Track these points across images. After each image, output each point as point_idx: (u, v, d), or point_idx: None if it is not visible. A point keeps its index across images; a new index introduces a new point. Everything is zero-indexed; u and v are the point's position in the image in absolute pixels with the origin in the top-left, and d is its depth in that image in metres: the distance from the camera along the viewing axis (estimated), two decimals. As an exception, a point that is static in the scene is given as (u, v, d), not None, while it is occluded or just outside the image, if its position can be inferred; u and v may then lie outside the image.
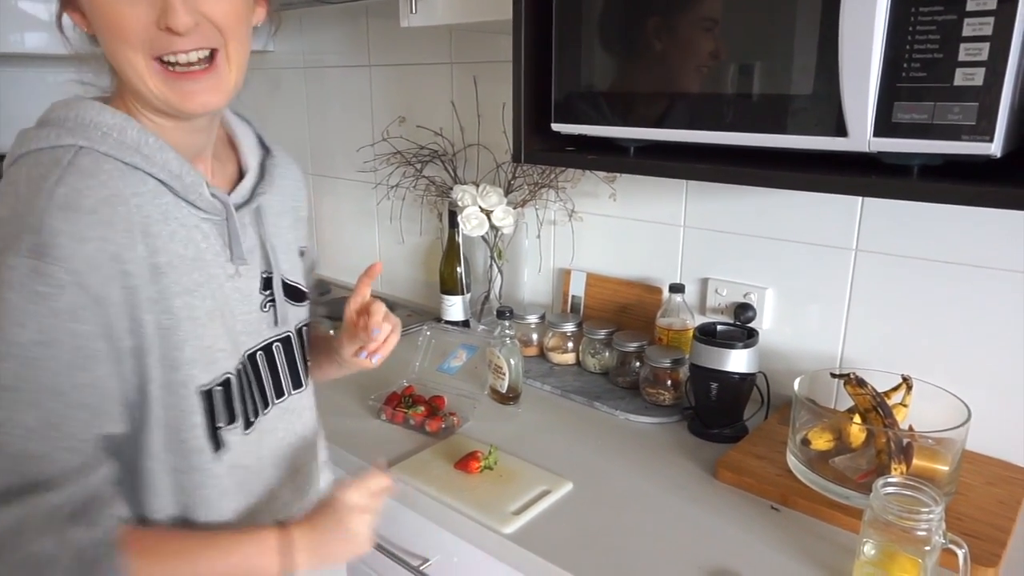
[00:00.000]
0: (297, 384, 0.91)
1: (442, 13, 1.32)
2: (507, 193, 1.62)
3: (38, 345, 0.62)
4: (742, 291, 1.37)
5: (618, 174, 1.46)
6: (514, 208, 1.61)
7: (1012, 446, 1.14)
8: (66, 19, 0.73)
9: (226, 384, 0.77)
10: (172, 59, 0.67)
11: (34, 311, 0.62)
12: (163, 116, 0.73)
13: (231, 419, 0.78)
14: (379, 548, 1.17)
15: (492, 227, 1.61)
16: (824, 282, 1.28)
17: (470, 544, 1.04)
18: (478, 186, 1.60)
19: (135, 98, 0.72)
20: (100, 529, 0.64)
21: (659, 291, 1.48)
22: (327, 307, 1.94)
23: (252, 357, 0.82)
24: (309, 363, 0.94)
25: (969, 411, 1.03)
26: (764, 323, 1.36)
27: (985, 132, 0.69)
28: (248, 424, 0.81)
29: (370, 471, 0.84)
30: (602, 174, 1.50)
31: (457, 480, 1.11)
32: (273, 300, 0.85)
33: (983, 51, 0.68)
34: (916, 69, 0.72)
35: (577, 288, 1.61)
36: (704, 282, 1.43)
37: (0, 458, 0.61)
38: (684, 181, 1.40)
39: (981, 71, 0.68)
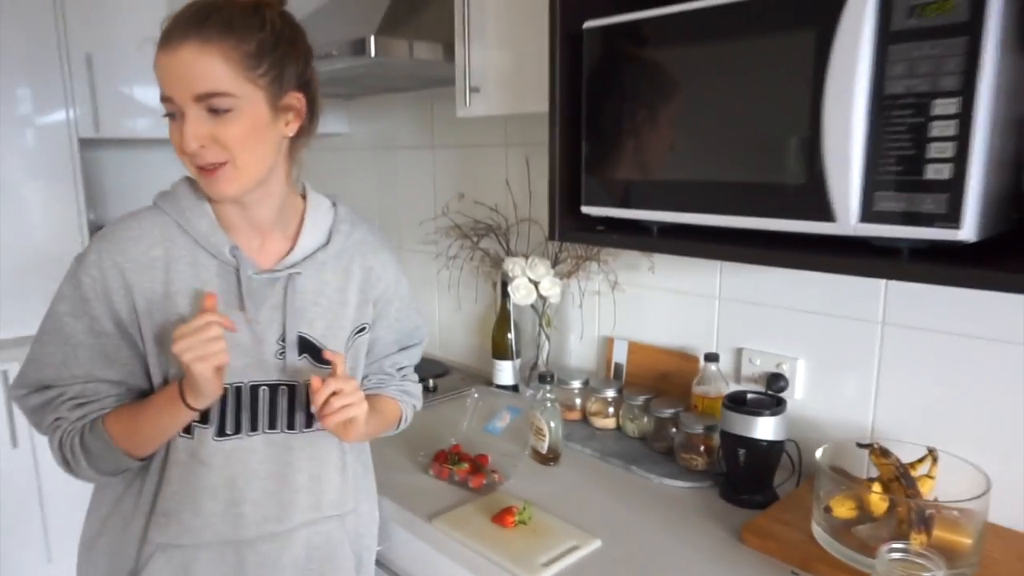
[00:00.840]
0: (291, 426, 1.05)
1: (492, 106, 1.48)
2: (554, 265, 1.73)
3: (67, 315, 0.97)
4: (775, 361, 1.43)
5: (656, 248, 1.56)
6: (560, 279, 1.72)
7: (1045, 522, 1.14)
8: None
9: None
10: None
11: (70, 295, 0.97)
12: None
13: (204, 420, 0.99)
14: (420, 595, 1.26)
15: (540, 296, 1.72)
16: (853, 354, 1.33)
17: (501, 593, 1.11)
18: (527, 258, 1.72)
19: None
20: (86, 411, 0.98)
21: (696, 360, 1.54)
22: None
23: (255, 388, 1.02)
24: (297, 420, 1.06)
25: (989, 481, 1.05)
26: (796, 393, 1.40)
27: (953, 220, 0.76)
28: (221, 432, 1.01)
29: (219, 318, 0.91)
30: (642, 248, 1.60)
31: (493, 533, 1.19)
32: (284, 351, 1.03)
33: (949, 149, 0.76)
34: (892, 164, 0.80)
35: (620, 355, 1.69)
36: (739, 352, 1.49)
37: (33, 370, 1.00)
38: (718, 255, 1.48)
39: (948, 166, 0.76)
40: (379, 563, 1.35)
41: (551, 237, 1.22)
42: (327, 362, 1.04)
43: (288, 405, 1.04)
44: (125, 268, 0.97)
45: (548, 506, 1.28)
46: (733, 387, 1.46)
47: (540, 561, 1.11)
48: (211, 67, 0.88)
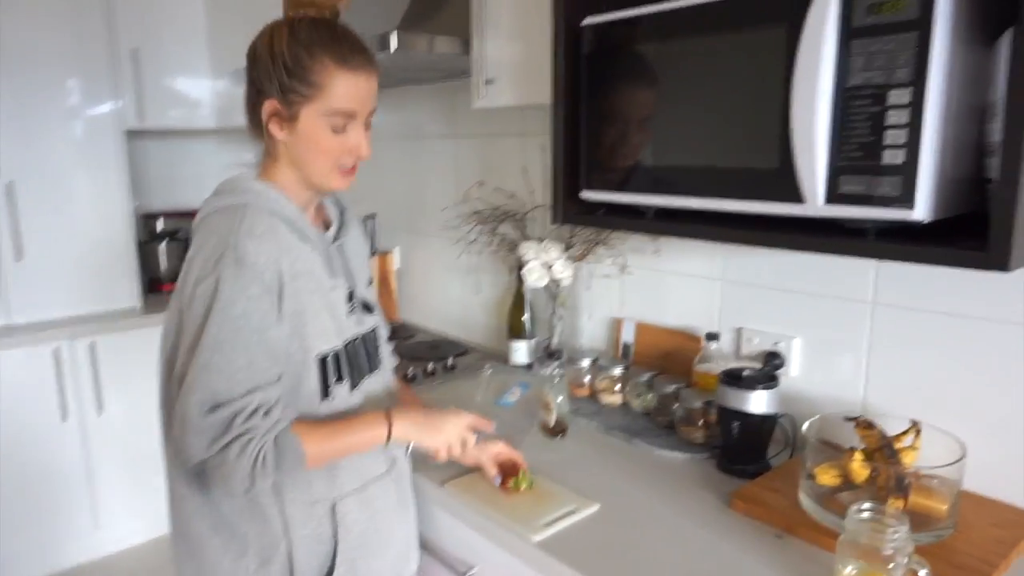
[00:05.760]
0: (375, 367, 1.23)
1: (505, 97, 1.56)
2: (566, 249, 1.81)
3: (242, 316, 1.00)
4: (772, 340, 1.49)
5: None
6: (572, 262, 1.80)
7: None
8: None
9: (337, 355, 1.13)
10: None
11: (239, 296, 1.00)
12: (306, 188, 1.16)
13: (340, 379, 1.13)
14: (430, 552, 1.36)
15: (552, 279, 1.80)
16: (845, 333, 1.38)
17: (504, 551, 1.21)
18: (541, 242, 1.80)
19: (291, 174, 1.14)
20: (275, 418, 1.04)
21: (699, 339, 1.61)
22: (411, 350, 2.18)
23: (353, 342, 1.17)
24: (381, 357, 1.26)
25: (964, 449, 1.11)
26: (792, 370, 1.47)
27: (907, 201, 0.83)
28: (354, 385, 1.16)
29: (483, 424, 1.25)
30: (648, 233, 1.67)
31: (499, 497, 1.28)
32: (355, 308, 1.19)
33: (902, 136, 0.82)
34: (854, 150, 0.86)
35: (628, 335, 1.77)
36: (739, 331, 1.56)
37: (222, 382, 1.00)
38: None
39: (902, 151, 0.82)
40: (396, 524, 1.45)
41: (554, 220, 1.30)
42: (371, 309, 1.26)
43: (370, 351, 1.21)
44: (276, 259, 1.04)
45: (553, 474, 1.36)
46: (733, 365, 1.52)
47: (541, 522, 1.20)
48: (376, 91, 1.12)
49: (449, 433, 1.17)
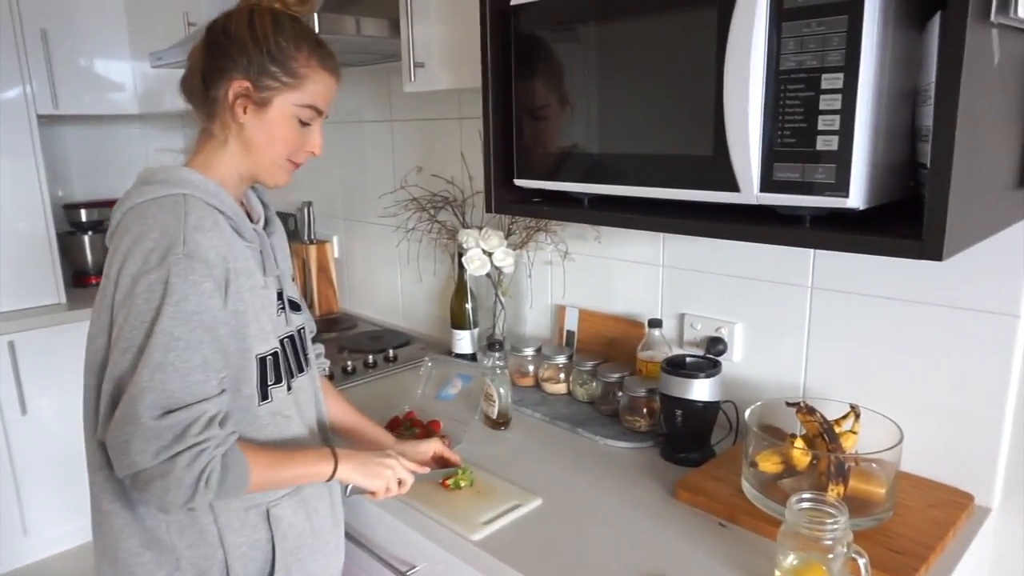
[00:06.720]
0: (303, 368, 1.18)
1: (436, 81, 1.50)
2: (507, 236, 1.77)
3: (195, 313, 0.94)
4: (715, 326, 1.48)
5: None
6: (513, 249, 1.76)
7: (959, 473, 1.21)
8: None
9: (274, 355, 1.09)
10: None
11: (191, 292, 0.94)
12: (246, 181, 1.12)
13: (277, 380, 1.09)
14: (371, 553, 1.32)
15: (494, 267, 1.76)
16: (786, 318, 1.38)
17: (445, 550, 1.17)
18: (480, 229, 1.76)
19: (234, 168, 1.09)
20: (229, 431, 0.99)
21: (642, 326, 1.59)
22: (351, 341, 2.12)
23: (282, 342, 1.12)
24: (308, 357, 1.21)
25: (902, 433, 1.11)
26: (735, 355, 1.46)
27: (842, 189, 0.81)
28: (289, 387, 1.12)
29: (421, 468, 1.21)
30: (589, 218, 1.64)
31: (439, 495, 1.24)
32: (284, 307, 1.15)
33: (836, 122, 0.80)
34: (788, 136, 0.84)
35: (571, 323, 1.74)
36: (681, 317, 1.54)
37: (176, 382, 0.93)
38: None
39: (836, 138, 0.80)
40: (335, 526, 1.40)
41: (488, 209, 1.25)
42: (298, 308, 1.22)
43: (296, 351, 1.17)
44: (223, 253, 0.99)
45: (495, 468, 1.33)
46: (676, 351, 1.51)
47: (481, 520, 1.17)
48: None
49: (389, 477, 1.15)
